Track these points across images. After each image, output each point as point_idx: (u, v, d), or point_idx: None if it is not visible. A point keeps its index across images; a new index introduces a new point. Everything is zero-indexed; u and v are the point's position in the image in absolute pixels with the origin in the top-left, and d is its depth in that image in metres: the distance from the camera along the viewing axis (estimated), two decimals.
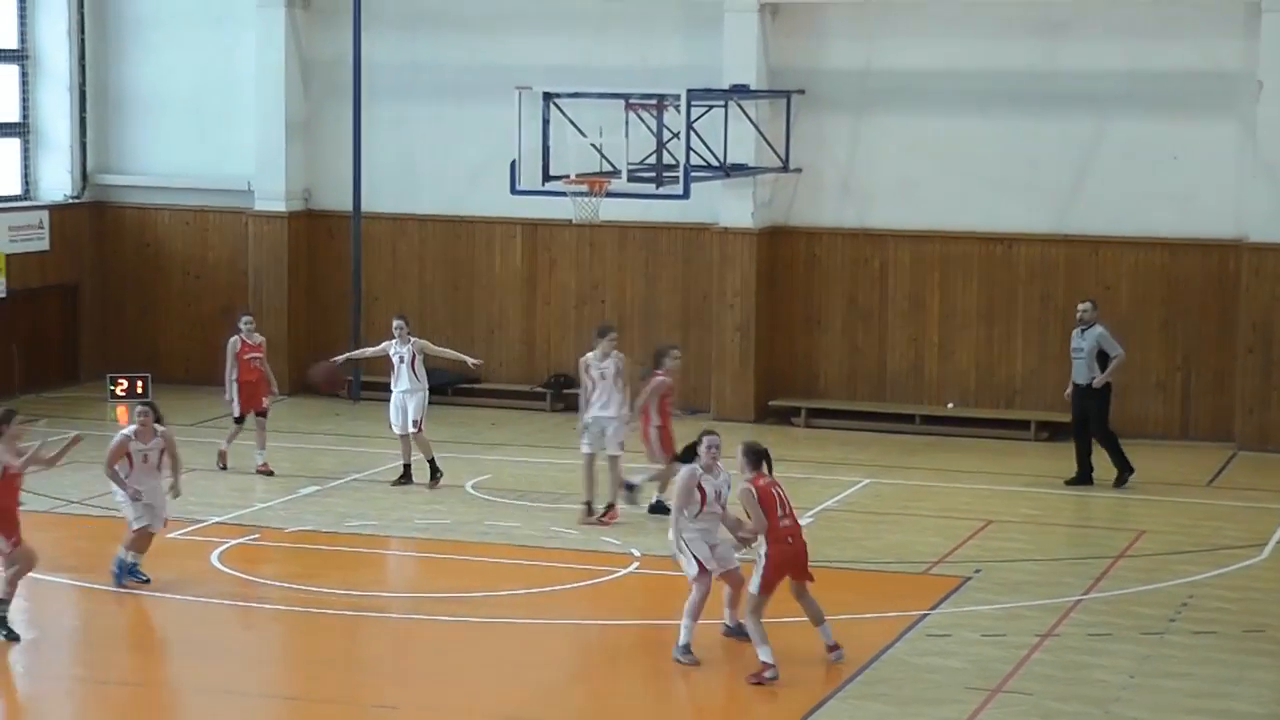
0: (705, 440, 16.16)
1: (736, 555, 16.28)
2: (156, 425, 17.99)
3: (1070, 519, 21.80)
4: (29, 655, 16.33)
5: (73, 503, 21.41)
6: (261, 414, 23.14)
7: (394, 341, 22.62)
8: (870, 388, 26.88)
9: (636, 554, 19.42)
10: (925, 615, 17.35)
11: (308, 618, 17.31)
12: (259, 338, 23.50)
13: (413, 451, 22.43)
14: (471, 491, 22.28)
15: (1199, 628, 17.11)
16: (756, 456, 15.91)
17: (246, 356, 23.13)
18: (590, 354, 21.15)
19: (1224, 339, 25.56)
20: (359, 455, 24.32)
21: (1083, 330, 22.86)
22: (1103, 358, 22.73)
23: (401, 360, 22.48)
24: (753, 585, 15.74)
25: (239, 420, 23.19)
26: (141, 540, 17.90)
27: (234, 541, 19.46)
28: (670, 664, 16.08)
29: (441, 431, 25.56)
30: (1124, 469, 22.91)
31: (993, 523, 20.99)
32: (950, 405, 26.12)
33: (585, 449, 20.87)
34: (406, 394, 22.46)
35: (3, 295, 27.42)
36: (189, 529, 20.06)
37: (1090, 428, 22.89)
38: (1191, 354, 25.81)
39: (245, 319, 23.62)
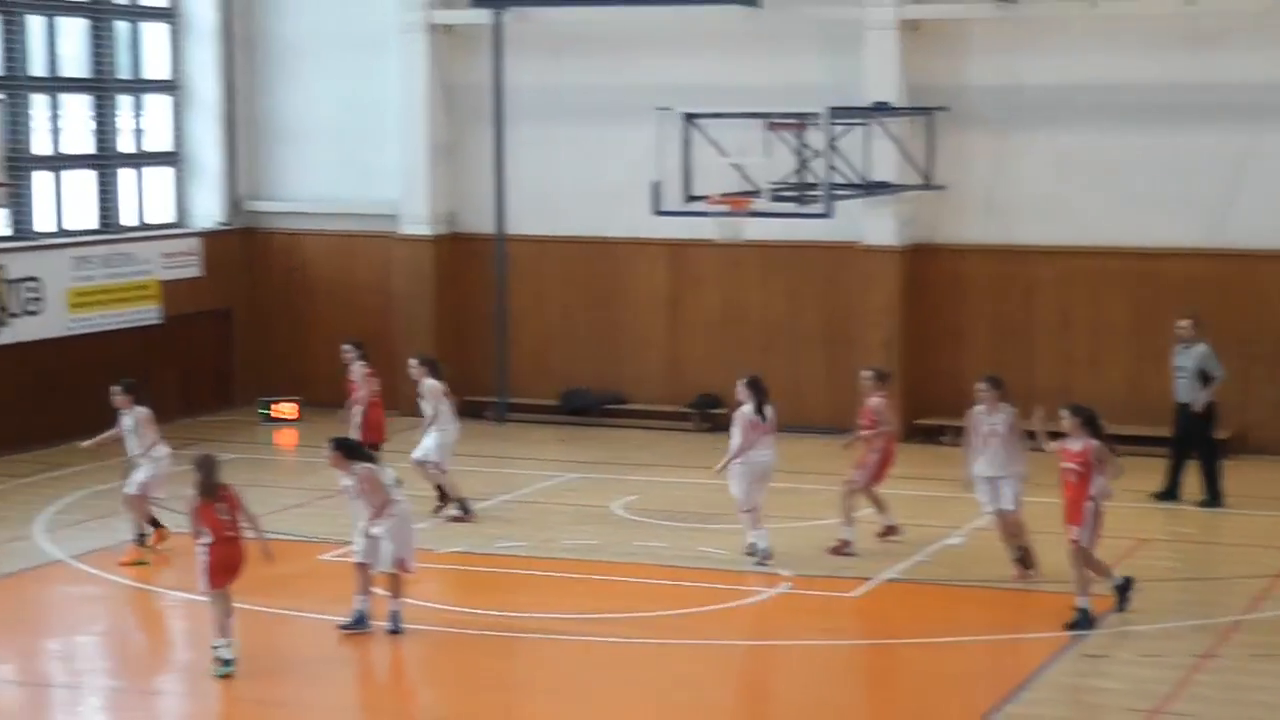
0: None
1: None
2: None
3: (1224, 537, 21.50)
4: (189, 678, 16.53)
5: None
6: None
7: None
8: (1017, 405, 26.52)
9: (786, 574, 19.33)
10: (1082, 636, 17.14)
11: (459, 638, 17.39)
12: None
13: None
14: (619, 512, 22.28)
15: None
16: None
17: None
18: (978, 407, 19.55)
19: None
20: (507, 476, 24.38)
21: (1185, 347, 22.56)
22: (1204, 377, 22.41)
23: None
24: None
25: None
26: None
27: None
28: (818, 683, 16.00)
29: (588, 452, 25.70)
30: (1214, 496, 22.48)
31: (1145, 541, 20.72)
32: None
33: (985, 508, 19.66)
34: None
35: (159, 321, 27.76)
36: (341, 551, 20.16)
37: (1195, 449, 22.55)
38: None
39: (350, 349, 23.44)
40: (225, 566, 16.19)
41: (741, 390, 19.83)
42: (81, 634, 18.07)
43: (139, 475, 20.00)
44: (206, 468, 16.24)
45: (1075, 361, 26.42)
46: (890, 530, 20.59)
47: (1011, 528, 18.96)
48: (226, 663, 15.97)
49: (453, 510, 21.85)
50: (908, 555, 20.01)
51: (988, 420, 19.14)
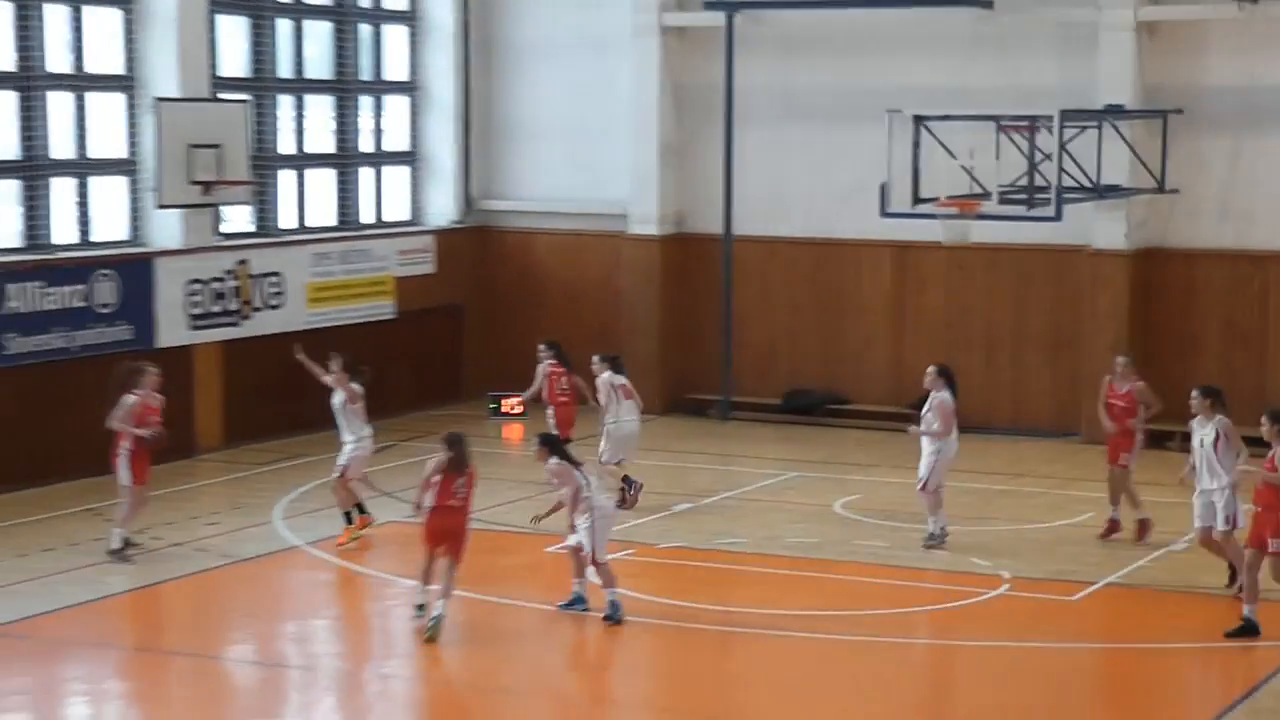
0: None
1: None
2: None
3: None
4: (417, 663, 16.94)
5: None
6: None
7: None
8: (1251, 411, 26.03)
9: (1006, 576, 19.32)
10: None
11: (679, 632, 17.58)
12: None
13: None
14: (839, 511, 22.38)
15: None
16: None
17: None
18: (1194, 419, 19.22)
19: None
20: (730, 474, 24.56)
21: None
22: None
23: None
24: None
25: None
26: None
27: (609, 557, 19.79)
28: (1036, 686, 16.01)
29: (810, 452, 25.77)
30: None
31: None
32: None
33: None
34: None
35: (393, 316, 28.30)
36: (566, 544, 20.46)
37: None
38: None
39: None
40: (437, 533, 17.08)
41: (933, 379, 20.80)
42: (315, 617, 18.57)
43: (340, 459, 20.54)
44: (459, 445, 17.20)
45: None
46: (1113, 528, 20.70)
47: (1216, 546, 18.56)
48: (419, 607, 17.16)
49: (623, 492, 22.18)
50: (1131, 560, 19.90)
51: (1199, 431, 18.73)
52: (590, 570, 17.77)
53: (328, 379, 20.83)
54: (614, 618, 17.45)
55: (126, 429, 19.56)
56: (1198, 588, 18.74)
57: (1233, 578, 18.46)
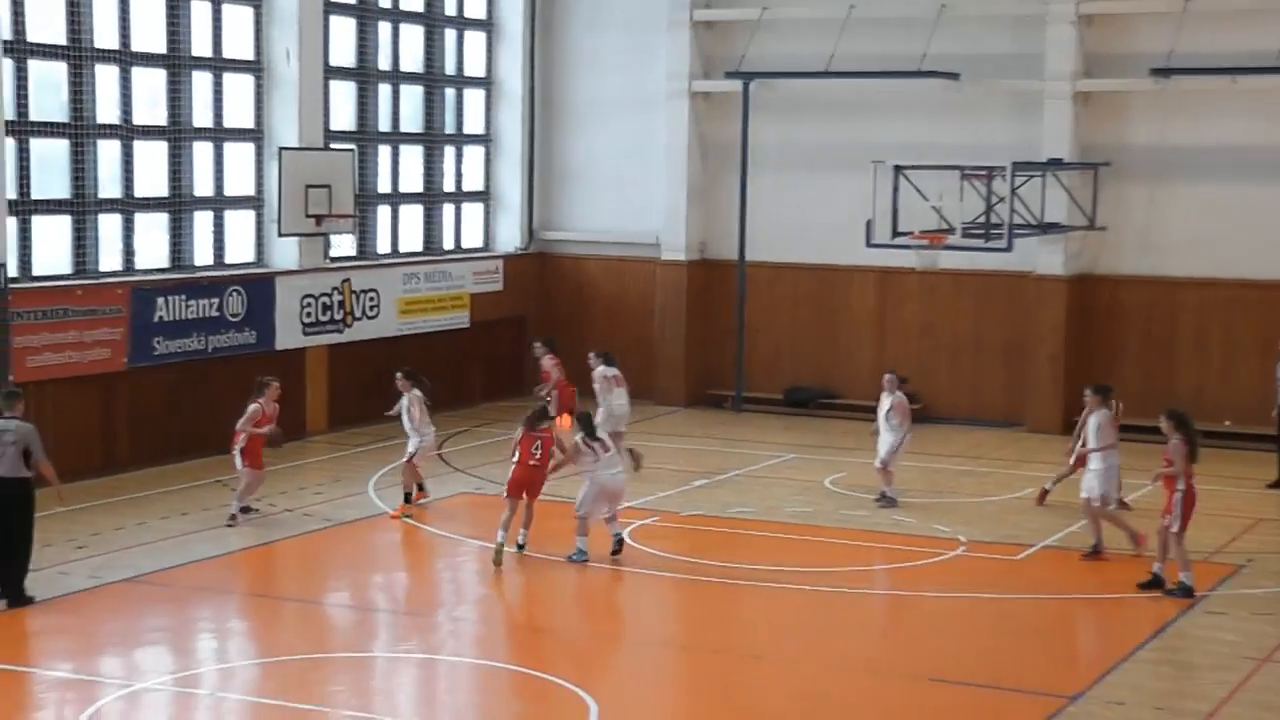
0: None
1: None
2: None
3: None
4: (483, 607, 16.92)
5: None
6: None
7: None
8: (1159, 406, 25.95)
9: (963, 539, 19.21)
10: (1205, 596, 16.83)
11: (695, 584, 17.55)
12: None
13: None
14: (829, 486, 22.28)
15: None
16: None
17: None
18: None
19: None
20: (741, 455, 24.48)
21: None
22: None
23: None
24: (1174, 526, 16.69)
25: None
26: None
27: (640, 523, 19.81)
28: (984, 630, 15.92)
29: (807, 437, 25.71)
30: None
31: (1262, 521, 20.25)
32: (1227, 423, 25.20)
33: None
34: None
35: (468, 326, 28.26)
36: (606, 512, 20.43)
37: None
38: None
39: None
40: (518, 484, 18.03)
41: (892, 383, 20.83)
42: (398, 570, 18.59)
43: (409, 446, 20.46)
44: (537, 412, 18.52)
45: (1210, 373, 25.86)
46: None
47: (1089, 513, 18.56)
48: (499, 549, 17.75)
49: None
50: (1065, 526, 19.77)
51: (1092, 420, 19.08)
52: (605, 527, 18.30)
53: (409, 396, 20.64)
54: (576, 559, 17.97)
55: (246, 429, 19.59)
56: (1115, 549, 18.60)
57: (1095, 547, 18.49)
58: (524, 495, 18.12)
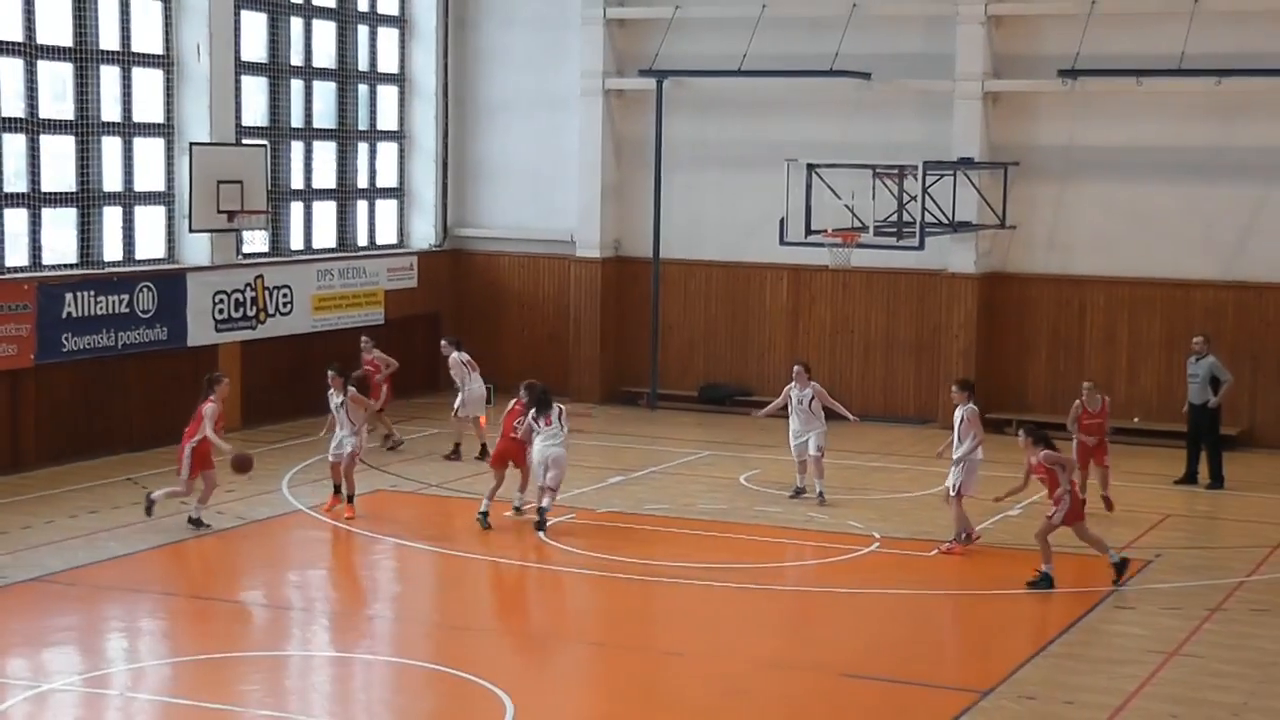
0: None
1: None
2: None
3: (1236, 514, 21.14)
4: (401, 603, 16.76)
5: (432, 485, 21.86)
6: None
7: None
8: (1070, 403, 26.25)
9: (877, 535, 19.26)
10: (1114, 591, 16.97)
11: (612, 581, 17.47)
12: (376, 353, 24.03)
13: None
14: (744, 483, 22.29)
15: None
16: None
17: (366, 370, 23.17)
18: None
19: None
20: (656, 452, 24.46)
21: (1197, 359, 22.31)
22: (1215, 383, 22.14)
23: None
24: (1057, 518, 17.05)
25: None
26: None
27: (555, 520, 19.70)
28: (895, 624, 15.96)
29: (721, 434, 25.71)
30: (1217, 479, 22.20)
31: (1170, 516, 20.46)
32: (1136, 420, 25.48)
33: None
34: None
35: (382, 322, 28.06)
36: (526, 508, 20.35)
37: (1203, 440, 22.27)
38: None
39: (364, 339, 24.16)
40: (501, 456, 19.51)
41: (803, 375, 21.20)
42: (313, 568, 18.38)
43: (347, 446, 19.81)
44: (533, 391, 19.56)
45: (1117, 370, 26.12)
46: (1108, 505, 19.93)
47: (951, 504, 18.89)
48: (483, 515, 19.12)
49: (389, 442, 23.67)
50: (977, 523, 19.83)
51: (797, 393, 20.63)
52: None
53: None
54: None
55: (216, 441, 18.75)
56: (1026, 545, 18.70)
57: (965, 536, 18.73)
58: (510, 464, 19.48)
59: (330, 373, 20.17)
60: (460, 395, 23.39)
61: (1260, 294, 25.20)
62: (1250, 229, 25.23)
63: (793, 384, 21.21)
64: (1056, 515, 17.08)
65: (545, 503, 19.02)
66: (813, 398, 21.07)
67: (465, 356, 23.59)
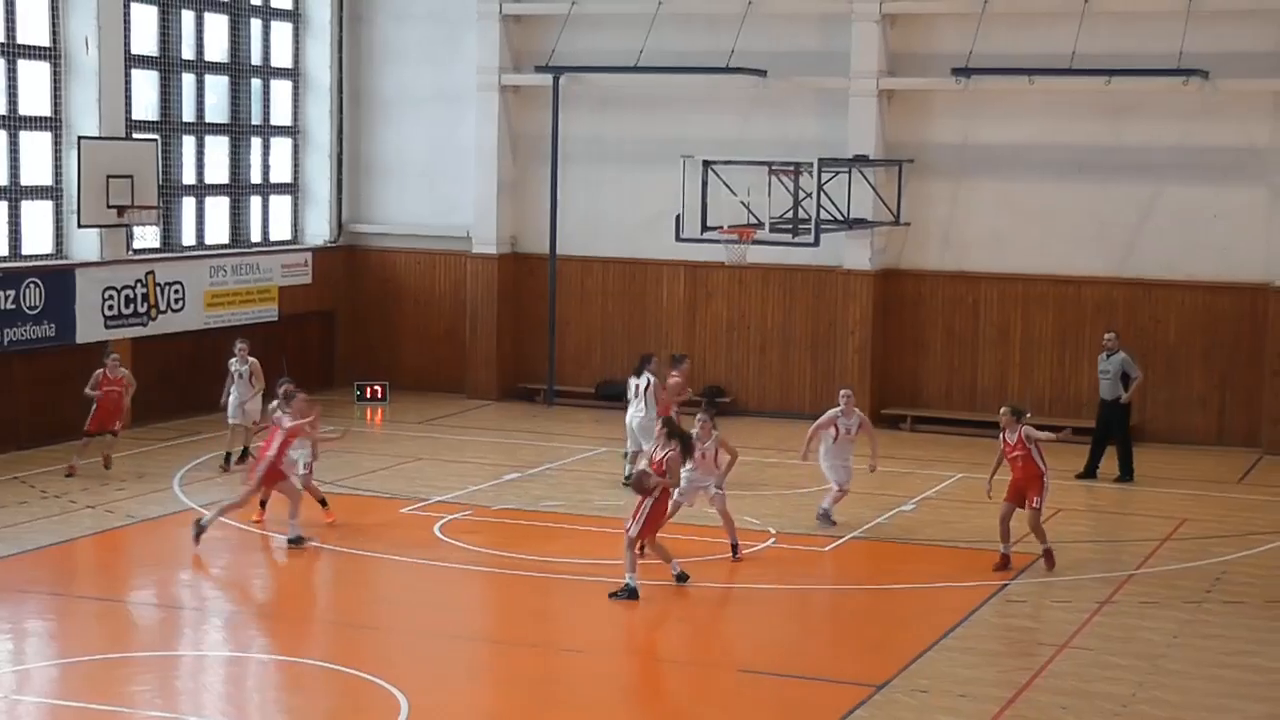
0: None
1: None
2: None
3: (1125, 509, 21.46)
4: (292, 604, 16.61)
5: (326, 483, 21.66)
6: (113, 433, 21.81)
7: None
8: (964, 400, 26.64)
9: (773, 531, 19.35)
10: (1006, 585, 17.17)
11: (508, 578, 17.43)
12: (123, 371, 21.93)
13: None
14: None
15: (1230, 598, 16.81)
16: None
17: (106, 388, 21.51)
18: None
19: (1253, 363, 25.09)
20: (552, 449, 24.43)
21: (1108, 355, 22.68)
22: (1125, 379, 22.52)
23: None
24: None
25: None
26: None
27: (451, 516, 19.65)
28: (791, 619, 16.04)
29: (618, 431, 25.64)
30: (1127, 473, 22.58)
31: (1062, 510, 20.69)
32: (1028, 414, 25.69)
33: None
34: None
35: (276, 319, 27.82)
36: (417, 505, 20.26)
37: (1113, 434, 22.63)
38: (1227, 376, 25.37)
39: (112, 355, 22.15)
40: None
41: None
42: (206, 567, 18.10)
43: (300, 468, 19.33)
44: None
45: (1010, 366, 26.41)
46: (1005, 563, 17.71)
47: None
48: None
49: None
50: (871, 519, 20.03)
51: (845, 421, 19.54)
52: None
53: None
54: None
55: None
56: (922, 540, 18.90)
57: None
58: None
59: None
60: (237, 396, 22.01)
61: (1150, 291, 25.60)
62: (1140, 227, 25.61)
63: (838, 410, 19.63)
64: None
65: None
66: (859, 426, 19.66)
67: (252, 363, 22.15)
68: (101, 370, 21.68)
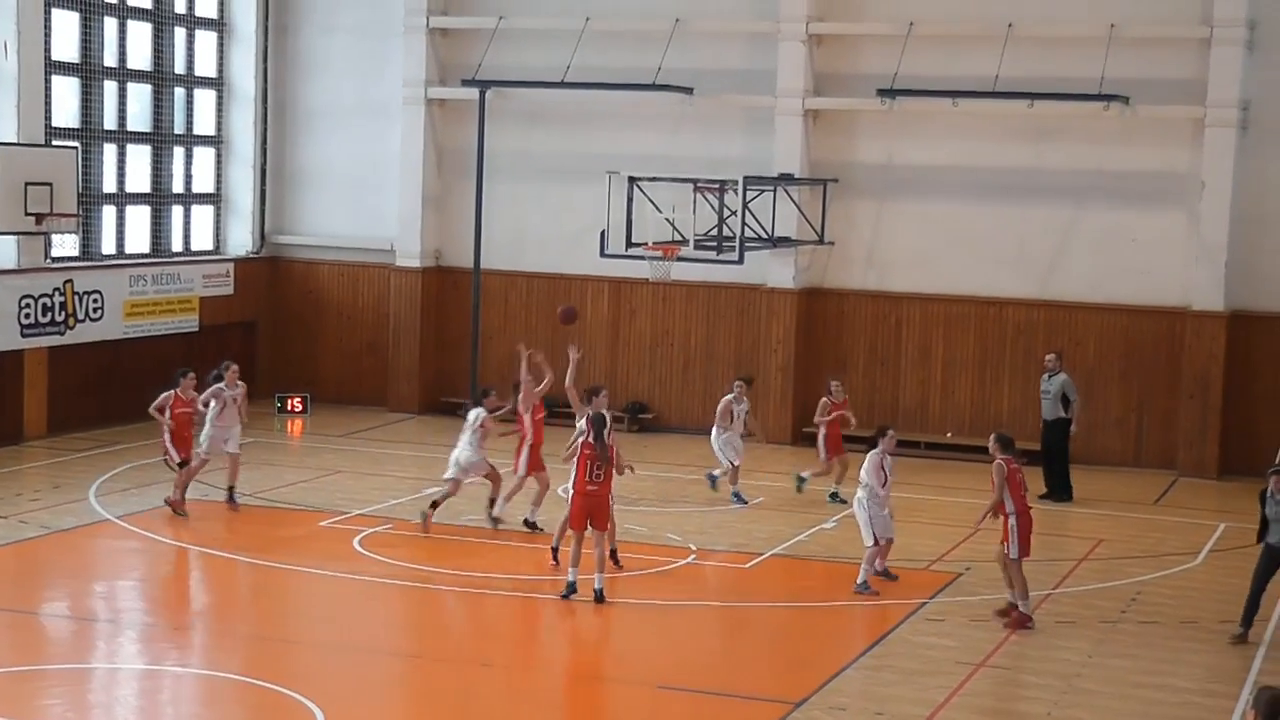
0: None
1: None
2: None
3: (1043, 528, 21.46)
4: (209, 617, 16.45)
5: (246, 495, 21.50)
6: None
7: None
8: (885, 419, 26.55)
9: (693, 548, 19.37)
10: (925, 603, 17.26)
11: (427, 592, 17.36)
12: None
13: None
14: (562, 494, 22.17)
15: (1145, 619, 16.98)
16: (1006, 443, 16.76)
17: (179, 410, 19.92)
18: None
19: (1170, 387, 25.39)
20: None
21: (1049, 376, 22.91)
22: (1066, 400, 22.77)
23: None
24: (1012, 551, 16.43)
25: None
26: None
27: (371, 530, 19.54)
28: (711, 636, 16.05)
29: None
30: (1065, 492, 22.81)
31: (983, 529, 20.76)
32: (949, 434, 25.99)
33: None
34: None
35: (197, 329, 27.61)
36: (336, 519, 20.14)
37: (1053, 454, 22.87)
38: (1144, 398, 25.66)
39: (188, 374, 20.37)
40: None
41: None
42: (122, 579, 17.98)
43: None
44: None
45: (932, 385, 26.60)
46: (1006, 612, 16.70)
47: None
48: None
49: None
50: (792, 536, 20.09)
51: (738, 408, 21.36)
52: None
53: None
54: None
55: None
56: (842, 557, 18.96)
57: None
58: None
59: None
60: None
61: (1070, 313, 25.86)
62: (1061, 249, 25.87)
63: (732, 396, 22.00)
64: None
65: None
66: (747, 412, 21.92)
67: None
68: (173, 392, 19.84)
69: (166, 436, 19.81)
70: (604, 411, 17.48)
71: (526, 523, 19.86)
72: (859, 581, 17.39)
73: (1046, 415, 22.85)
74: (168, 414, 19.80)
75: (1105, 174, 25.61)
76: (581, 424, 17.56)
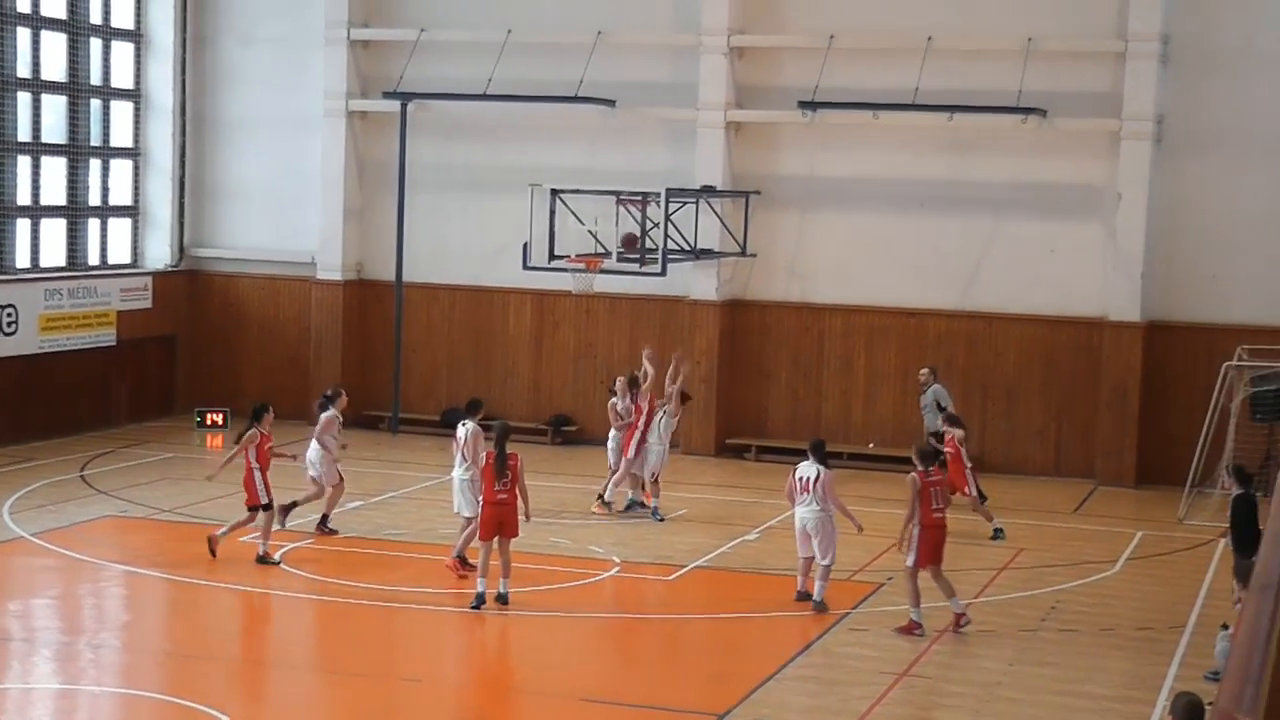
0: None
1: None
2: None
3: (965, 538, 21.72)
4: (129, 632, 16.28)
5: (165, 511, 21.32)
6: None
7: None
8: (808, 429, 26.74)
9: (617, 560, 19.37)
10: (847, 614, 17.33)
11: (350, 607, 17.23)
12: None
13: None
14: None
15: (1064, 627, 17.13)
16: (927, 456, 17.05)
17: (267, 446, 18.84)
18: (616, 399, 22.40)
19: (1089, 397, 25.63)
20: (397, 477, 24.26)
21: (925, 390, 23.32)
22: (943, 410, 23.01)
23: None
24: (908, 559, 16.57)
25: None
26: None
27: (292, 545, 19.40)
28: (636, 648, 16.04)
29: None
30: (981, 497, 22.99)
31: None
32: (871, 445, 26.13)
33: None
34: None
35: (115, 344, 27.33)
36: (256, 534, 19.94)
37: None
38: (1063, 408, 25.89)
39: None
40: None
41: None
42: (36, 597, 17.76)
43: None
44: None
45: (855, 396, 26.72)
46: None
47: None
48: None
49: None
50: (715, 548, 20.12)
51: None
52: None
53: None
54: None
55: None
56: (765, 569, 19.01)
57: None
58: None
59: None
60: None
61: (990, 324, 26.07)
62: (982, 261, 26.09)
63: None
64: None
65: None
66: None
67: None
68: (256, 429, 18.64)
69: (258, 478, 18.41)
70: (499, 421, 17.75)
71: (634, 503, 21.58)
72: (819, 600, 17.30)
73: (929, 427, 23.12)
74: (253, 453, 18.47)
75: (1023, 186, 25.86)
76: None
